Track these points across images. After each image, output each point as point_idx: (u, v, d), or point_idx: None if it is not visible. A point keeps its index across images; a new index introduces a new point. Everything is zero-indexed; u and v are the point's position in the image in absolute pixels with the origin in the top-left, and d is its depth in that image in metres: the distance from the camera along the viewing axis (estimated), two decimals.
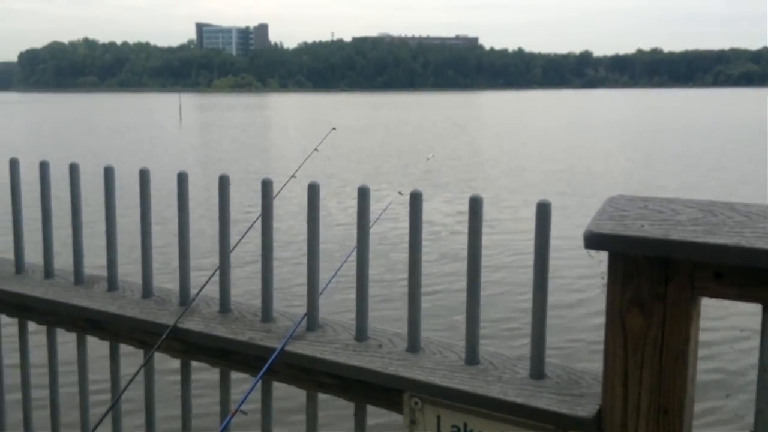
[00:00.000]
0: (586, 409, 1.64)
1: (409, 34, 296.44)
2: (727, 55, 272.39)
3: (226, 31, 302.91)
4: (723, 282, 1.44)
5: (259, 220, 2.20)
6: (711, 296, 1.47)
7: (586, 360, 7.19)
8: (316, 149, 2.86)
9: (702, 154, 29.70)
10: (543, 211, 1.72)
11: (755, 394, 1.47)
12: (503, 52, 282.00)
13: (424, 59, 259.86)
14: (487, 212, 1.83)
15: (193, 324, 2.23)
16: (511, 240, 12.85)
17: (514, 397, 1.72)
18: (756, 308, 1.45)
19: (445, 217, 15.29)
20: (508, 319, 8.56)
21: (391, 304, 8.59)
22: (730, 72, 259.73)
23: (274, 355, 2.03)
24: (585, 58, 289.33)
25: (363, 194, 2.01)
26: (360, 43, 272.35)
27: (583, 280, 10.22)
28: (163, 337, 2.23)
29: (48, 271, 2.68)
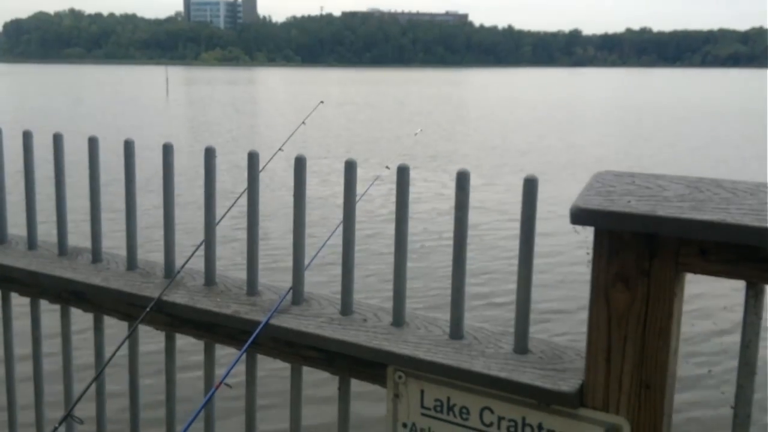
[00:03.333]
0: (568, 383, 1.65)
1: (399, 10, 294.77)
2: (716, 36, 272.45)
3: (214, 4, 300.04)
4: (708, 258, 1.44)
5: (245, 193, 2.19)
6: (696, 272, 1.47)
7: (570, 335, 7.25)
8: (303, 122, 2.84)
9: (690, 133, 29.80)
10: (530, 187, 1.72)
11: (736, 370, 1.48)
12: (493, 30, 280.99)
13: (414, 35, 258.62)
14: (473, 187, 1.83)
15: (178, 297, 2.22)
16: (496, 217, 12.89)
17: (498, 372, 1.72)
18: (740, 284, 1.45)
19: (431, 191, 15.30)
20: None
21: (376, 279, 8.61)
22: (718, 52, 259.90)
23: (258, 328, 2.02)
24: (574, 36, 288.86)
25: (350, 167, 2.00)
26: (349, 18, 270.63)
27: (568, 255, 10.27)
28: (148, 309, 2.22)
29: (31, 243, 2.66)
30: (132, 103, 45.60)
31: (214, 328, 2.18)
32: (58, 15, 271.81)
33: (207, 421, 2.24)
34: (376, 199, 12.94)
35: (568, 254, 10.38)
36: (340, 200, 2.05)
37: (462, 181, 1.83)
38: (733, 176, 1.91)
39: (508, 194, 15.28)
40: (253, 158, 2.16)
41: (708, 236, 1.41)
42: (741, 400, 1.49)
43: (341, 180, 2.02)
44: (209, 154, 2.23)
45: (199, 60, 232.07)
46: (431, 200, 14.52)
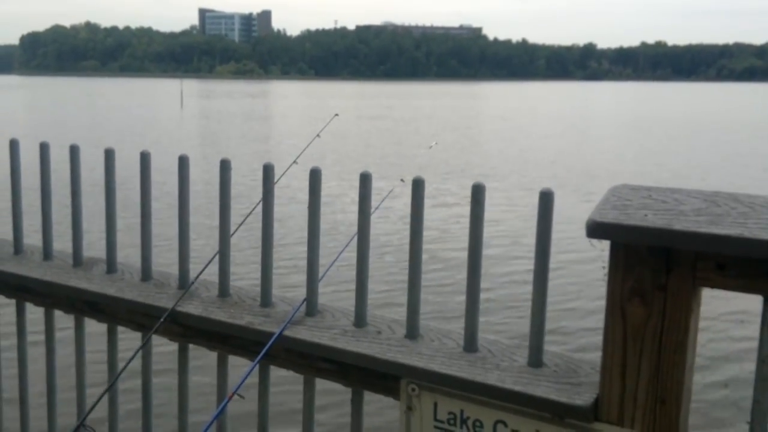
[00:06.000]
0: (583, 397, 1.63)
1: (413, 23, 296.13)
2: (731, 50, 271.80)
3: (229, 17, 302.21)
4: (725, 273, 1.43)
5: (260, 205, 2.20)
6: (712, 287, 1.46)
7: (585, 349, 7.20)
8: (318, 135, 2.84)
9: (705, 146, 29.67)
10: (545, 200, 1.71)
11: (753, 385, 1.47)
12: (507, 43, 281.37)
13: (427, 48, 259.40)
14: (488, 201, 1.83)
15: (191, 307, 2.23)
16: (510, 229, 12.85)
17: (512, 385, 1.71)
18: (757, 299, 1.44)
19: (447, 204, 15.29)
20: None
21: (390, 291, 8.60)
22: (733, 66, 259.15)
23: (272, 340, 2.02)
24: (589, 50, 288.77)
25: (365, 180, 2.00)
26: (363, 31, 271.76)
27: (584, 268, 10.23)
28: (162, 320, 2.22)
29: (47, 253, 2.68)
30: (147, 115, 45.86)
31: (228, 339, 2.18)
32: (74, 28, 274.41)
33: None
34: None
35: (584, 267, 10.33)
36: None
37: (477, 194, 1.82)
38: (749, 190, 1.90)
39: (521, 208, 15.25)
40: (268, 170, 2.17)
41: (725, 250, 1.40)
42: (757, 415, 1.47)
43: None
44: (224, 166, 2.24)
45: (214, 73, 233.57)
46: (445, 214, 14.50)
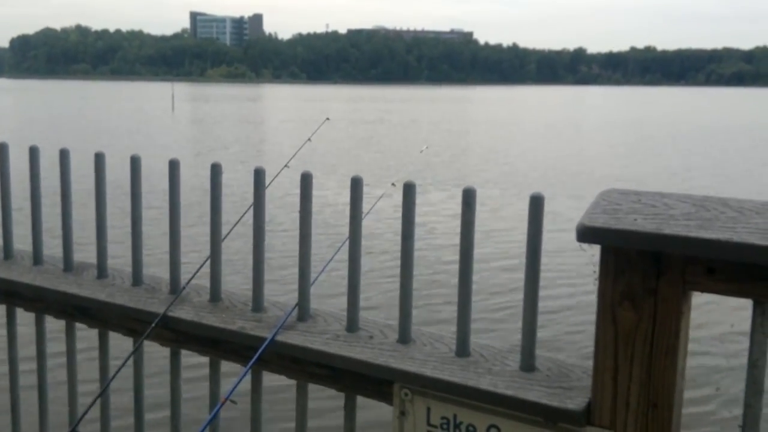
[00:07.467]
0: (575, 402, 1.64)
1: (404, 28, 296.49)
2: (720, 55, 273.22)
3: (221, 21, 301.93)
4: (715, 277, 1.44)
5: (251, 209, 2.19)
6: (702, 291, 1.47)
7: (577, 353, 7.21)
8: (309, 139, 2.84)
9: (695, 150, 29.80)
10: (536, 204, 1.72)
11: (744, 389, 1.48)
12: (498, 47, 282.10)
13: (419, 53, 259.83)
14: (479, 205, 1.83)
15: (183, 312, 2.22)
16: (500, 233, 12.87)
17: (504, 389, 1.72)
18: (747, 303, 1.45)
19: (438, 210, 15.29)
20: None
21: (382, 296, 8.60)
22: (722, 71, 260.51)
23: (264, 345, 2.02)
24: (579, 54, 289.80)
25: (356, 184, 2.00)
26: (355, 35, 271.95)
27: (574, 273, 10.24)
28: (153, 325, 2.21)
29: (37, 258, 2.66)
30: (138, 119, 45.71)
31: (219, 345, 2.17)
32: (65, 31, 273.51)
33: None
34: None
35: (575, 272, 10.35)
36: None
37: (468, 198, 1.83)
38: (739, 194, 1.91)
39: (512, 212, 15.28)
40: (259, 174, 2.16)
41: (715, 255, 1.41)
42: (749, 419, 1.48)
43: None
44: (215, 170, 2.23)
45: (205, 76, 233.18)
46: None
